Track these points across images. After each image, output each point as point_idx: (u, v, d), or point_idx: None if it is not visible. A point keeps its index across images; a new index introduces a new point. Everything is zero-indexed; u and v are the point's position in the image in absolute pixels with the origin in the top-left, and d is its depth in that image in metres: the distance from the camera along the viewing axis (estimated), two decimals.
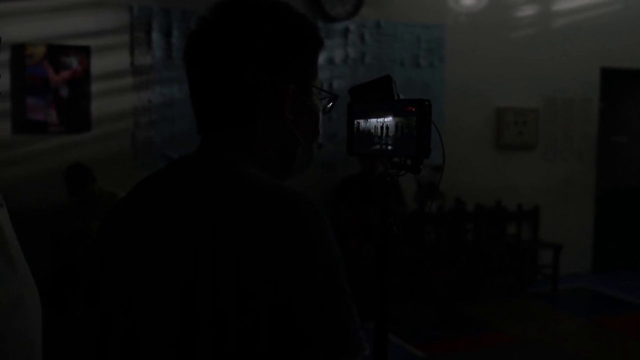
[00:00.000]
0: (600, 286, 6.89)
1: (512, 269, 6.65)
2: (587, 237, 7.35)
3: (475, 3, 6.58)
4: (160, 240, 1.10)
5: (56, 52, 5.18)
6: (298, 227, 1.02)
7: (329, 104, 1.28)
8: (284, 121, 1.17)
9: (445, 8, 6.46)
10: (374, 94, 1.37)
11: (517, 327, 5.60)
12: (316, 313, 0.99)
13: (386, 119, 1.29)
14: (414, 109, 1.25)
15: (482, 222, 6.54)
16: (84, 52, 5.25)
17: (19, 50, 5.08)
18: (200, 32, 1.17)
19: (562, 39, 6.95)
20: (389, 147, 1.29)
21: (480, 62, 6.59)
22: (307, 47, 1.19)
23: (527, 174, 6.93)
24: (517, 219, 6.82)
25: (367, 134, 1.33)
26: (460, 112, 6.44)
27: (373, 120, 1.32)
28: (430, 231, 6.36)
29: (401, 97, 1.35)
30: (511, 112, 6.77)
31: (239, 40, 1.14)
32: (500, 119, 6.74)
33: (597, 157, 7.32)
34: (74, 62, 5.24)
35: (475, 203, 6.57)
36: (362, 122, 1.34)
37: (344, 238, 5.39)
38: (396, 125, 1.27)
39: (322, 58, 5.48)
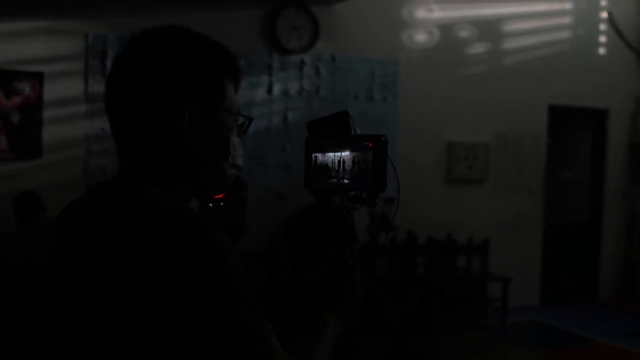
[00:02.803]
0: (548, 319, 7.01)
1: (462, 302, 6.72)
2: (535, 271, 7.48)
3: (428, 40, 6.72)
4: (65, 265, 1.15)
5: (8, 77, 5.11)
6: (188, 238, 1.04)
7: (245, 126, 1.31)
8: (186, 144, 1.18)
9: (399, 44, 6.59)
10: (331, 129, 1.40)
11: None
12: (214, 315, 1.02)
13: (343, 154, 1.32)
14: (370, 144, 1.28)
15: (434, 255, 6.61)
16: (37, 78, 5.20)
17: None
18: (117, 58, 1.22)
19: (512, 77, 7.14)
20: (346, 181, 1.31)
21: (432, 97, 6.72)
22: (208, 71, 1.21)
23: (478, 207, 7.05)
24: (467, 252, 6.91)
25: (325, 167, 1.35)
26: (412, 146, 6.54)
27: (330, 155, 1.34)
28: (383, 264, 6.40)
29: (358, 132, 1.38)
30: (462, 147, 6.90)
31: (141, 65, 1.18)
32: (451, 154, 6.86)
33: (545, 192, 7.49)
34: (26, 87, 5.18)
35: (426, 236, 6.64)
36: (319, 155, 1.36)
37: (294, 268, 5.39)
38: (353, 160, 1.30)
39: (277, 90, 5.49)
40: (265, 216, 5.79)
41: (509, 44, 7.15)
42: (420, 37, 6.69)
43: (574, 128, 7.91)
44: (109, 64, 5.38)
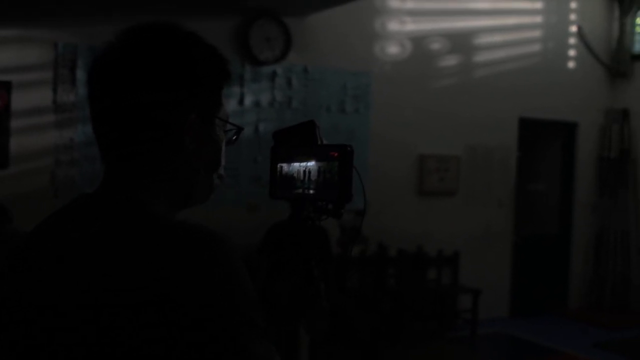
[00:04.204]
0: (518, 331, 7.05)
1: (433, 314, 6.73)
2: (505, 282, 7.53)
3: (401, 52, 6.76)
4: (51, 286, 1.05)
5: None
6: (204, 261, 0.98)
7: (234, 136, 1.27)
8: (184, 152, 1.14)
9: (372, 56, 6.61)
10: (298, 138, 1.39)
11: None
12: (223, 343, 0.96)
13: (309, 164, 1.31)
14: (336, 154, 1.27)
15: (404, 267, 6.62)
16: (5, 88, 5.12)
17: None
18: (104, 57, 1.14)
19: (483, 90, 7.19)
20: (311, 192, 1.30)
21: (404, 109, 6.75)
22: (212, 78, 1.17)
23: (448, 219, 7.08)
24: (437, 264, 6.93)
25: (290, 178, 1.34)
26: (384, 158, 6.55)
27: (296, 165, 1.33)
28: (354, 276, 6.39)
29: (325, 142, 1.37)
30: (433, 159, 6.93)
31: (140, 68, 1.11)
32: (422, 166, 6.88)
33: (515, 204, 7.54)
34: None
35: (397, 248, 6.65)
36: (285, 165, 1.35)
37: (268, 280, 5.35)
38: (318, 170, 1.29)
39: (249, 101, 5.47)
40: (237, 229, 5.75)
41: (480, 57, 7.21)
42: (393, 49, 6.72)
43: (544, 141, 7.99)
44: (79, 73, 5.33)
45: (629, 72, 7.86)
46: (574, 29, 7.79)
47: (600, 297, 7.85)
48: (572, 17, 7.80)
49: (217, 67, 1.18)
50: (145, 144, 1.13)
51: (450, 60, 7.06)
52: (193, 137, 1.14)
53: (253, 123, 6.02)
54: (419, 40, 6.84)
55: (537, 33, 7.60)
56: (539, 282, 7.81)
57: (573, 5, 7.79)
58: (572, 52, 7.83)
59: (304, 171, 1.32)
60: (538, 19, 7.60)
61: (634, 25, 7.90)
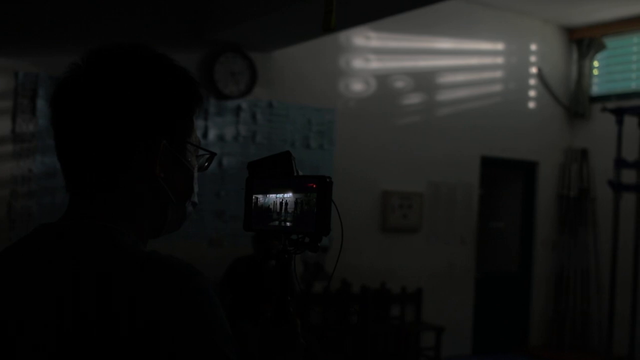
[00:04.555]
0: None
1: (396, 351, 6.67)
2: (467, 320, 7.52)
3: (365, 89, 6.80)
4: (16, 320, 0.99)
5: None
6: (178, 295, 0.94)
7: (206, 162, 1.22)
8: (155, 180, 1.08)
9: (336, 93, 6.64)
10: (273, 170, 1.35)
11: None
12: None
13: (286, 195, 1.27)
14: (314, 186, 1.24)
15: (368, 304, 6.56)
16: None
17: None
18: (71, 81, 1.09)
19: (445, 128, 7.26)
20: (288, 224, 1.27)
21: (368, 146, 6.77)
22: (184, 103, 1.12)
23: (411, 256, 7.07)
24: (401, 301, 6.90)
25: (266, 209, 1.30)
26: (347, 194, 6.54)
27: (272, 196, 1.29)
28: (317, 312, 6.31)
29: (300, 173, 1.34)
30: (397, 196, 6.94)
31: (107, 92, 1.06)
32: (386, 202, 6.88)
33: (477, 242, 7.58)
34: None
35: (360, 285, 6.61)
36: (260, 197, 1.31)
37: (231, 319, 5.25)
38: (296, 202, 1.26)
39: (212, 134, 5.43)
40: (199, 263, 5.65)
41: (443, 96, 7.29)
42: (357, 86, 6.76)
43: (506, 179, 8.08)
44: (39, 103, 5.24)
45: (588, 113, 8.02)
46: (534, 70, 7.94)
47: (560, 335, 7.88)
48: (533, 58, 7.96)
49: (188, 90, 1.13)
50: (113, 172, 1.07)
51: (414, 99, 7.12)
52: (164, 164, 1.09)
53: (217, 157, 5.95)
54: (383, 78, 6.90)
55: (498, 74, 7.72)
56: (500, 319, 7.82)
57: (533, 47, 7.95)
58: (532, 93, 7.97)
59: (281, 203, 1.28)
60: (499, 59, 7.73)
61: (591, 67, 8.08)
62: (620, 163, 6.44)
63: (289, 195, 1.27)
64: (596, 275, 7.86)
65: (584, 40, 8.02)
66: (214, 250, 5.86)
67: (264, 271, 5.36)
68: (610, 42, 7.97)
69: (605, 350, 6.22)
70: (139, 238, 1.08)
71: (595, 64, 8.15)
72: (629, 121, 6.36)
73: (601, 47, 7.95)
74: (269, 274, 5.25)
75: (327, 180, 1.23)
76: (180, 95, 1.11)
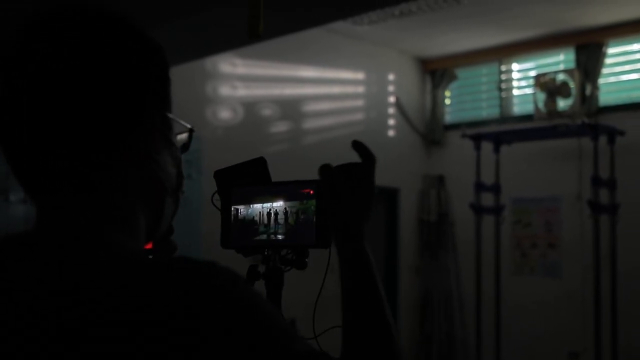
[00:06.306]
0: None
1: None
2: (336, 350, 7.48)
3: (233, 117, 6.67)
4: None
5: None
6: (219, 297, 0.79)
7: (188, 139, 1.02)
8: (150, 166, 0.89)
9: (204, 120, 6.45)
10: (247, 178, 1.21)
11: None
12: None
13: (275, 204, 1.14)
14: (312, 192, 1.11)
15: None
16: None
17: None
18: (18, 56, 0.84)
19: (312, 155, 7.23)
20: (280, 237, 1.13)
21: None
22: (164, 68, 0.94)
23: (285, 285, 6.95)
24: None
25: (250, 222, 1.15)
26: (218, 226, 6.32)
27: (257, 206, 1.15)
28: None
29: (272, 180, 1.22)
30: None
31: (83, 63, 0.83)
32: None
33: None
34: None
35: None
36: (242, 208, 1.17)
37: None
38: (287, 212, 1.13)
39: None
40: None
41: (309, 124, 7.30)
42: (225, 114, 6.62)
43: None
44: None
45: (443, 140, 8.33)
46: (392, 99, 8.16)
47: (428, 356, 8.04)
48: (391, 88, 8.17)
49: (160, 52, 0.94)
50: (103, 164, 0.85)
51: (281, 127, 7.07)
52: (156, 146, 0.90)
53: None
54: (250, 106, 6.80)
55: (360, 102, 7.86)
56: None
57: (391, 77, 8.18)
58: (391, 121, 8.17)
59: (268, 213, 1.14)
60: (360, 89, 7.88)
61: (444, 97, 8.43)
62: (479, 187, 6.74)
63: (279, 204, 1.13)
64: (459, 296, 8.10)
65: (437, 71, 8.36)
66: None
67: None
68: (461, 72, 8.36)
69: None
70: (138, 243, 0.88)
71: (447, 93, 8.51)
72: (485, 147, 6.67)
73: (453, 77, 8.32)
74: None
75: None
76: (158, 60, 0.93)
